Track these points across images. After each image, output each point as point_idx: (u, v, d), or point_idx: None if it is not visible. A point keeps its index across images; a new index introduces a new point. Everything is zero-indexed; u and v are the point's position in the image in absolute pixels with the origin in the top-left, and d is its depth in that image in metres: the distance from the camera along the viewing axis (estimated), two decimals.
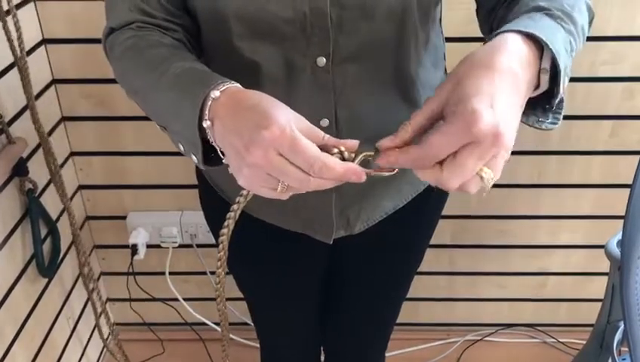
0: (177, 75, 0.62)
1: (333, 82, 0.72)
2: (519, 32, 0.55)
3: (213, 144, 0.60)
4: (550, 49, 0.55)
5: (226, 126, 0.57)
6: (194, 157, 0.62)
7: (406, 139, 0.55)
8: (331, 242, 0.88)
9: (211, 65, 0.76)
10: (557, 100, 0.59)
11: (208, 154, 0.61)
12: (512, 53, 0.53)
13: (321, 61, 0.71)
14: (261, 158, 0.54)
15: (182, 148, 0.64)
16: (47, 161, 1.32)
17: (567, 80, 0.58)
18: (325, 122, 0.75)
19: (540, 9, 0.61)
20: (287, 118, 0.54)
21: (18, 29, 1.17)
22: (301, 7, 0.67)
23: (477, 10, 0.79)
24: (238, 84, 0.60)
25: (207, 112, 0.58)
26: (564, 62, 0.56)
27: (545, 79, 0.57)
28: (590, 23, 0.67)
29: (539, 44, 0.56)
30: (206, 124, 0.58)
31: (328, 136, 0.56)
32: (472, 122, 0.48)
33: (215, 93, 0.58)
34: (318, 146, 0.55)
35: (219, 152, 0.60)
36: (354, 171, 0.55)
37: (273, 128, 0.53)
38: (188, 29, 0.74)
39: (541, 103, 0.60)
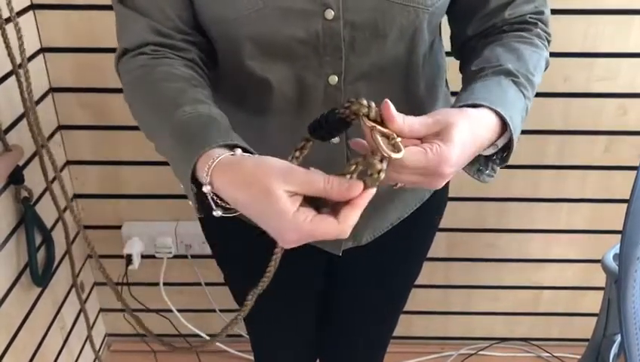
0: (183, 121, 0.62)
1: (344, 100, 0.73)
2: (493, 110, 0.64)
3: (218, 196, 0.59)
4: (511, 133, 0.65)
5: (240, 203, 0.57)
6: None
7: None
8: (340, 254, 0.88)
9: (223, 82, 0.76)
10: (498, 156, 0.69)
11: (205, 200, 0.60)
12: (486, 128, 0.64)
13: (333, 79, 0.72)
14: (295, 243, 0.57)
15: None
16: (43, 168, 1.31)
17: (516, 142, 0.67)
18: (336, 139, 0.76)
19: (508, 74, 0.69)
20: (289, 206, 0.54)
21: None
22: (314, 28, 0.68)
23: (451, 37, 0.82)
24: (228, 155, 0.58)
25: (205, 178, 0.57)
26: (517, 136, 0.67)
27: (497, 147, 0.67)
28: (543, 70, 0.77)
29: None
30: (206, 188, 0.58)
31: (330, 183, 0.54)
32: (438, 166, 0.58)
33: (205, 178, 0.57)
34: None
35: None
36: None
37: (290, 234, 0.55)
38: (202, 46, 0.75)
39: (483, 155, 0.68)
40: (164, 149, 0.66)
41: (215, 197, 0.59)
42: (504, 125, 0.65)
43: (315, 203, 0.56)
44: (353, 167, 0.55)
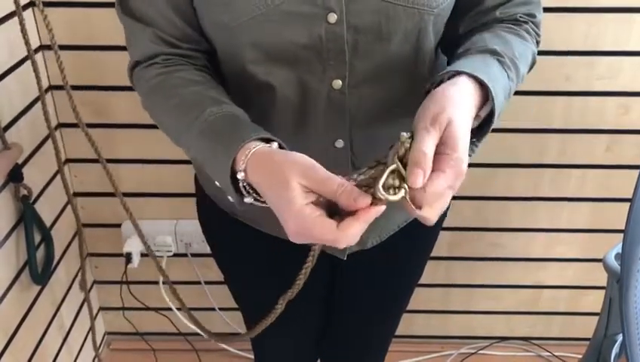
0: (211, 122, 0.65)
1: (348, 104, 0.73)
2: (477, 78, 0.63)
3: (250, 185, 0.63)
4: (493, 102, 0.64)
5: (263, 193, 0.61)
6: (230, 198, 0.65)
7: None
8: (345, 258, 0.88)
9: (227, 87, 0.76)
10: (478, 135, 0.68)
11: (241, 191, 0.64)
12: (473, 100, 0.63)
13: (337, 84, 0.71)
14: (295, 234, 0.59)
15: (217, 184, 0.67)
16: (56, 148, 1.32)
17: (496, 120, 0.67)
18: (340, 143, 0.75)
19: (494, 53, 0.68)
20: (299, 198, 0.56)
21: (47, 25, 1.16)
22: (317, 33, 0.68)
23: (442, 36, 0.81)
24: (264, 146, 0.62)
25: (241, 166, 0.61)
26: (499, 109, 0.65)
27: (477, 121, 0.66)
28: (530, 68, 0.76)
29: (486, 89, 0.64)
30: (240, 175, 0.62)
31: (342, 189, 0.56)
32: (461, 172, 0.59)
33: (240, 166, 0.61)
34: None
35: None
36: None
37: (290, 224, 0.58)
38: (208, 51, 0.75)
39: None
40: (192, 149, 0.68)
41: (247, 186, 0.63)
42: (486, 96, 0.64)
43: (332, 210, 0.58)
44: (365, 169, 0.57)
